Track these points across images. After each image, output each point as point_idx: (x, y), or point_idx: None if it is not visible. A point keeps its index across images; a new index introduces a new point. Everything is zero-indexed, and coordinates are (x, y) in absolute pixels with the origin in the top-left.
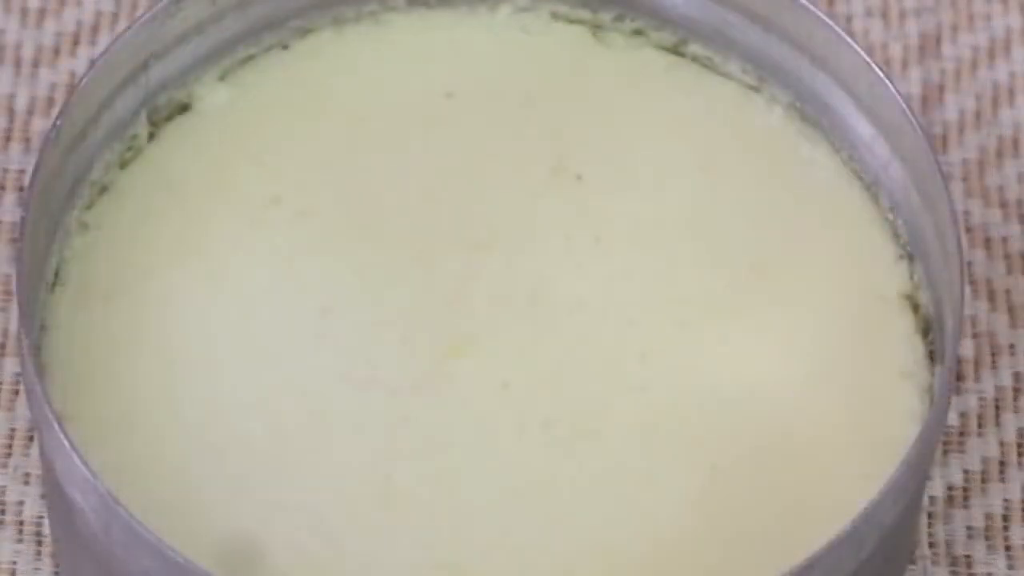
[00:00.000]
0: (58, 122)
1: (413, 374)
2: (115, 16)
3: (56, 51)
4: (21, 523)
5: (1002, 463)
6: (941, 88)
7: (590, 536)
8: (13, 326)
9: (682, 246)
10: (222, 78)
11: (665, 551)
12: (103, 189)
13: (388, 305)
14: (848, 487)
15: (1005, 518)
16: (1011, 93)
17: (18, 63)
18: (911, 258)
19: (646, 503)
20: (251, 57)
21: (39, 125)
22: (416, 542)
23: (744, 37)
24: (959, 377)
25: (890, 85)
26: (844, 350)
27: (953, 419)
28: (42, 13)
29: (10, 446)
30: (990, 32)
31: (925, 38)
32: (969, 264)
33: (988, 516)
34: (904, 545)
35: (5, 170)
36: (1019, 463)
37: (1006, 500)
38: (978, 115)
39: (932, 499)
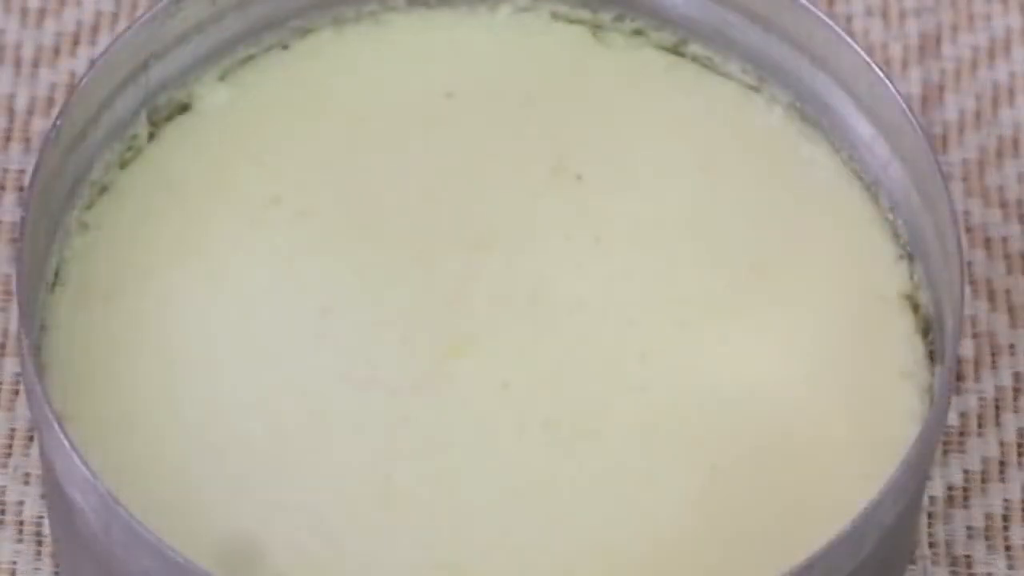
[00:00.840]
0: (58, 122)
1: (413, 374)
2: (115, 16)
3: (56, 51)
4: (21, 523)
5: (1002, 463)
6: (941, 88)
7: (590, 536)
8: (13, 326)
9: (682, 246)
10: (222, 78)
11: (665, 551)
12: (103, 189)
13: (388, 305)
14: (848, 487)
15: (1005, 518)
16: (1011, 93)
17: (18, 63)
18: (911, 258)
19: (646, 503)
20: (251, 57)
21: (39, 125)
22: (416, 542)
23: (744, 37)
24: (959, 377)
25: (890, 85)
26: (844, 350)
27: (953, 419)
28: (42, 13)
29: (10, 446)
30: (990, 32)
31: (925, 38)
32: (969, 264)
33: (988, 516)
34: (904, 545)
35: (5, 170)
36: (1019, 463)
37: (1006, 500)
38: (978, 115)
39: (932, 499)
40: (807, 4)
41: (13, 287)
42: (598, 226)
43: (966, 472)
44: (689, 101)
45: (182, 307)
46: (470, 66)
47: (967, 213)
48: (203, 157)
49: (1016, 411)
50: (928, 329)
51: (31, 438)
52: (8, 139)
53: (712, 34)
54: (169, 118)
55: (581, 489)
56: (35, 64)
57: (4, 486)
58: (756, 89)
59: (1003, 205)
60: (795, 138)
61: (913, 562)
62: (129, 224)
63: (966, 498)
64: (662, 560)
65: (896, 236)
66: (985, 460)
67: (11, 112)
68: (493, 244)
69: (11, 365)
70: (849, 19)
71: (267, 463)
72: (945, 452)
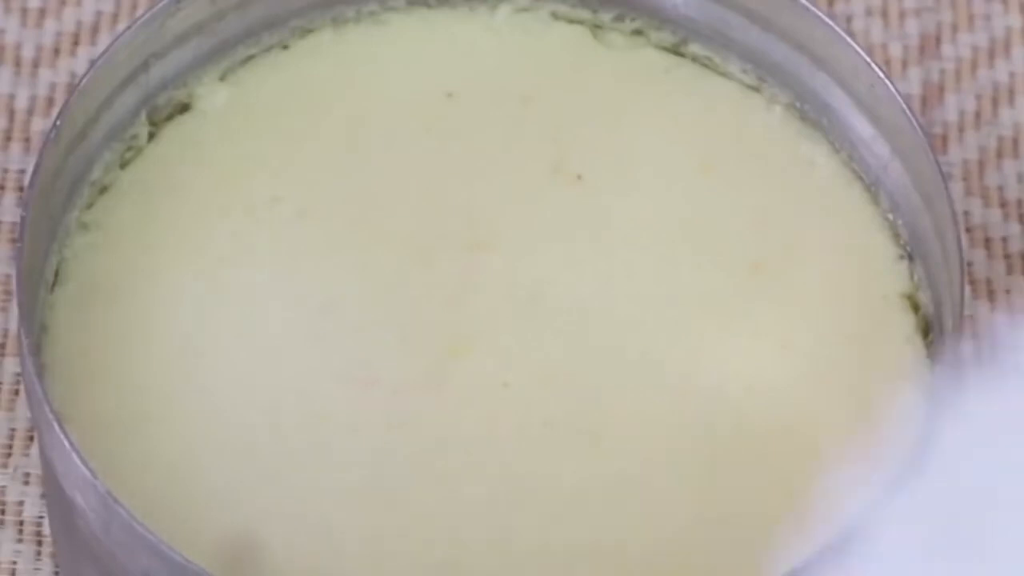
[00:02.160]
0: (58, 122)
1: (413, 374)
2: (115, 16)
3: (56, 51)
4: (21, 523)
5: None
6: (941, 88)
7: (590, 536)
8: (13, 326)
9: (682, 246)
10: (222, 78)
11: (665, 551)
12: (103, 189)
13: (388, 305)
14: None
15: None
16: (1011, 93)
17: (18, 63)
18: (911, 258)
19: (646, 503)
20: (251, 57)
21: (39, 125)
22: (416, 542)
23: (744, 37)
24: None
25: (890, 85)
26: (844, 350)
27: None
28: (42, 13)
29: (10, 446)
30: (990, 32)
31: (925, 38)
32: (969, 264)
33: None
34: None
35: (5, 170)
36: None
37: None
38: (978, 115)
39: None
40: (807, 4)
41: (13, 287)
42: (598, 226)
43: None
44: (689, 101)
45: (182, 307)
46: (470, 66)
47: (967, 213)
48: (203, 157)
49: None
50: (928, 329)
51: (31, 438)
52: (8, 139)
53: (712, 34)
54: (169, 118)
55: (581, 489)
56: (35, 64)
57: (4, 486)
58: (756, 89)
59: (1003, 205)
60: (795, 138)
61: None
62: (129, 224)
63: None
64: (662, 560)
65: (896, 236)
66: None
67: (11, 112)
68: (493, 244)
69: (11, 365)
70: (849, 19)
71: (267, 463)
72: None
